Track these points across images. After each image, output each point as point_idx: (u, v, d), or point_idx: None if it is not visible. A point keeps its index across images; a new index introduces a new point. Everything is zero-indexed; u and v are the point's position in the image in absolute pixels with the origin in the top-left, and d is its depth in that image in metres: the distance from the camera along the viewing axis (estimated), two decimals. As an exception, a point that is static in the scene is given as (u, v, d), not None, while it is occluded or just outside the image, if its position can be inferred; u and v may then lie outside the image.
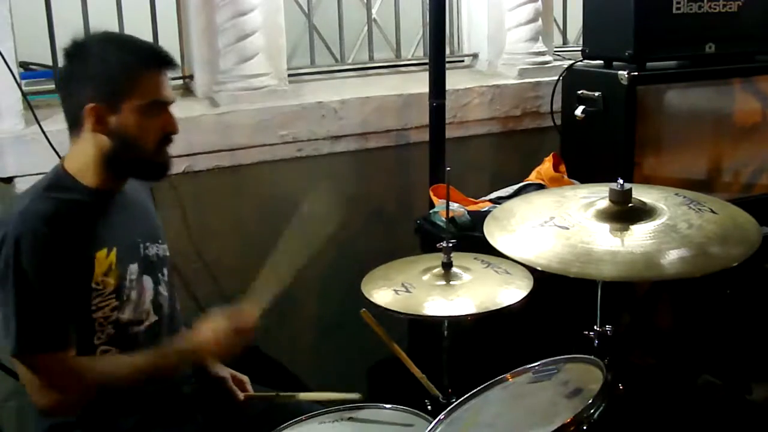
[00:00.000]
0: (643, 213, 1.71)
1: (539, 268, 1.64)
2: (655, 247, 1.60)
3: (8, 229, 1.64)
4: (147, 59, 1.76)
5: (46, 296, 1.64)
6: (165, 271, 1.91)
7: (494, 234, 1.77)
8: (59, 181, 1.75)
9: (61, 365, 1.67)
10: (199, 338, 1.80)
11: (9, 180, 2.31)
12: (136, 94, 1.72)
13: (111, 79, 1.71)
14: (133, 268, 1.80)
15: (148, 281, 1.84)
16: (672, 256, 1.58)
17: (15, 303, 1.63)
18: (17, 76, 2.28)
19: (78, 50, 1.75)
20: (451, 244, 1.93)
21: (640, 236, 1.65)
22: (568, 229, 1.70)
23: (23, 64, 2.63)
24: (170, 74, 1.81)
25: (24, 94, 2.32)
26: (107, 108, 1.71)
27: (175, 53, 2.64)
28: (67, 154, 1.81)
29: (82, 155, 1.75)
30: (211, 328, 1.80)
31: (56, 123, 2.38)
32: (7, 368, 2.22)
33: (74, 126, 1.76)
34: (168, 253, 1.95)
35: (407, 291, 1.89)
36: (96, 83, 1.71)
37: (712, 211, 1.71)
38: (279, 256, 1.91)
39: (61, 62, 1.80)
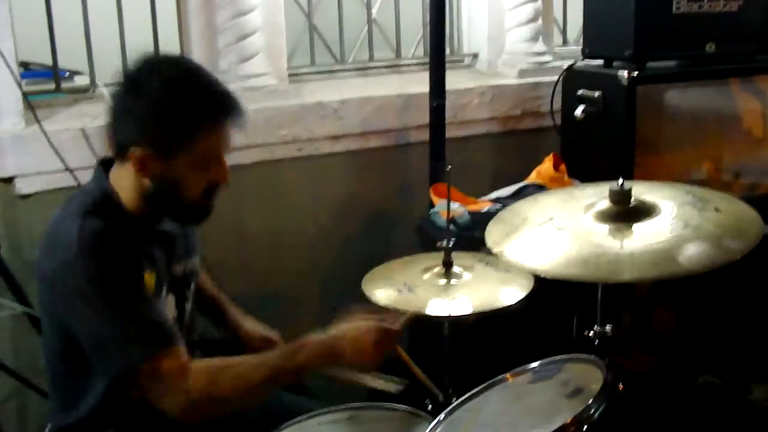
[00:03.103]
0: (643, 213, 1.71)
1: (542, 275, 1.63)
2: (647, 248, 1.60)
3: (69, 255, 1.55)
4: (216, 113, 1.60)
5: (132, 300, 1.57)
6: (192, 285, 1.85)
7: (495, 238, 1.76)
8: (106, 201, 1.66)
9: (180, 360, 1.58)
10: (339, 336, 1.66)
11: (9, 180, 2.31)
12: (195, 149, 1.60)
13: (169, 130, 1.58)
14: (164, 290, 1.74)
15: (171, 300, 1.78)
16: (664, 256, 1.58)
17: (107, 318, 1.54)
18: (17, 76, 2.28)
19: (135, 83, 1.61)
20: (450, 244, 1.93)
21: (637, 238, 1.65)
22: (563, 230, 1.71)
23: (23, 64, 2.63)
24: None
25: (24, 94, 2.32)
26: (156, 156, 1.59)
27: (175, 53, 2.67)
28: (112, 170, 1.70)
29: (125, 183, 1.66)
30: (354, 327, 1.67)
31: (56, 123, 2.39)
32: (7, 368, 2.22)
33: (118, 155, 1.65)
34: (198, 264, 1.88)
35: (410, 290, 1.89)
36: (150, 128, 1.58)
37: (717, 210, 1.70)
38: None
39: (116, 87, 1.65)
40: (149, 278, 1.66)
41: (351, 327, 1.69)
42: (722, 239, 1.61)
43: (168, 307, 1.77)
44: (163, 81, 1.59)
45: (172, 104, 1.58)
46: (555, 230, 1.72)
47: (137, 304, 1.59)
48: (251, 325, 2.04)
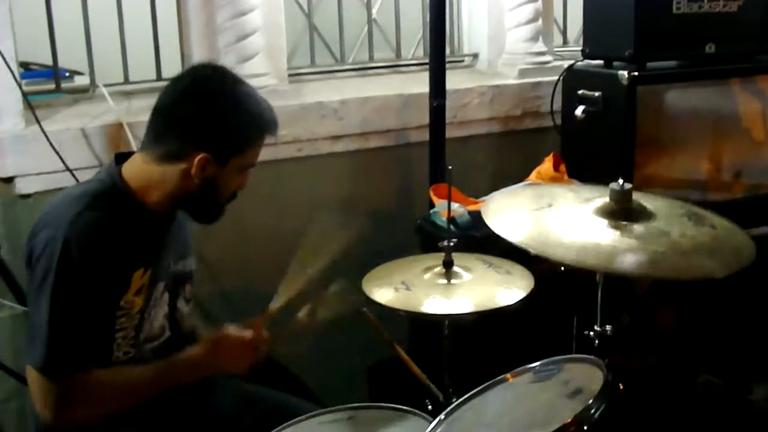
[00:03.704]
0: (640, 216, 1.72)
1: (531, 252, 1.66)
2: (642, 245, 1.63)
3: (56, 233, 1.59)
4: (269, 126, 1.77)
5: (83, 310, 1.60)
6: (188, 286, 1.89)
7: (490, 213, 1.82)
8: (115, 193, 1.71)
9: (86, 384, 1.62)
10: (208, 350, 1.79)
11: (9, 180, 2.31)
12: (247, 155, 1.75)
13: (231, 140, 1.71)
14: (161, 285, 1.78)
15: (165, 297, 1.82)
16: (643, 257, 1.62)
17: (50, 313, 1.57)
18: (17, 76, 2.28)
19: (202, 91, 1.72)
20: (452, 244, 1.93)
21: (631, 234, 1.67)
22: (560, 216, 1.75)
23: (23, 64, 2.63)
24: None
25: (24, 94, 2.32)
26: (216, 160, 1.71)
27: (175, 53, 2.67)
28: (130, 164, 1.76)
29: (157, 180, 1.72)
30: (220, 340, 1.79)
31: (56, 123, 2.39)
32: (7, 368, 2.22)
33: (165, 154, 1.71)
34: (194, 267, 1.93)
35: (407, 288, 1.89)
36: (217, 136, 1.70)
37: (712, 227, 1.72)
38: (292, 273, 1.91)
39: (174, 92, 1.74)
40: (139, 277, 1.70)
41: (218, 341, 1.80)
42: (720, 252, 1.64)
43: (162, 303, 1.81)
44: (231, 94, 1.73)
45: (237, 116, 1.72)
46: (551, 214, 1.75)
47: (80, 316, 1.60)
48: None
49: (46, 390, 1.61)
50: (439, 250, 1.96)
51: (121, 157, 1.79)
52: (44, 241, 1.61)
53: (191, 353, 1.79)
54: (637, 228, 1.69)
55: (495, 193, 1.89)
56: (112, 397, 1.67)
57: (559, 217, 1.76)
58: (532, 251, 1.65)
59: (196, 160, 1.68)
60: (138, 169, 1.75)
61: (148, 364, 1.74)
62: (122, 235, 1.65)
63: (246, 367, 1.82)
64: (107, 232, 1.63)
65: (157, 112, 1.74)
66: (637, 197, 1.76)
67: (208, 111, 1.70)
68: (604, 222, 1.71)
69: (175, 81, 1.77)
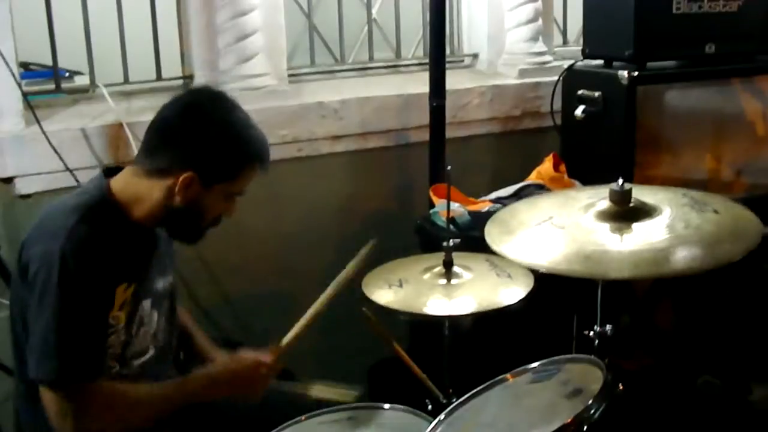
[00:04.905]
0: (643, 213, 1.71)
1: (542, 270, 1.64)
2: (648, 247, 1.61)
3: (53, 246, 1.59)
4: (260, 157, 1.76)
5: (87, 321, 1.61)
6: (166, 302, 1.89)
7: (494, 236, 1.77)
8: (105, 206, 1.71)
9: (101, 394, 1.63)
10: (224, 371, 1.80)
11: (9, 180, 2.31)
12: (235, 183, 1.75)
13: (220, 165, 1.71)
14: (146, 303, 1.78)
15: (154, 315, 1.82)
16: (662, 255, 1.59)
17: (57, 326, 1.58)
18: (17, 76, 2.28)
19: (199, 114, 1.72)
20: (453, 244, 1.93)
21: (637, 236, 1.65)
22: (564, 228, 1.72)
23: (23, 64, 2.63)
24: None
25: (24, 94, 2.32)
26: (201, 182, 1.70)
27: (175, 53, 2.67)
28: (119, 177, 1.76)
29: (143, 194, 1.72)
30: (238, 363, 1.81)
31: (56, 123, 2.38)
32: (7, 368, 2.22)
33: (153, 169, 1.71)
34: (173, 281, 1.93)
35: (400, 286, 1.89)
36: (205, 159, 1.70)
37: (715, 212, 1.71)
38: (310, 313, 1.90)
39: (172, 108, 1.74)
40: (122, 291, 1.70)
41: (233, 362, 1.83)
42: (723, 240, 1.61)
43: (151, 321, 1.81)
44: (225, 120, 1.73)
45: (229, 143, 1.72)
46: (554, 228, 1.73)
47: (85, 327, 1.61)
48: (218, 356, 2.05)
49: (62, 402, 1.61)
50: (441, 250, 1.95)
51: (109, 172, 1.80)
52: (40, 254, 1.61)
53: (208, 372, 1.81)
54: (641, 227, 1.68)
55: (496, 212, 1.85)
56: (127, 409, 1.68)
57: (562, 229, 1.73)
58: (543, 270, 1.64)
59: (181, 178, 1.69)
60: (127, 182, 1.75)
61: (156, 380, 1.74)
62: (111, 249, 1.66)
63: (259, 393, 1.82)
64: (99, 245, 1.64)
65: (152, 127, 1.75)
66: (637, 194, 1.74)
67: (198, 132, 1.70)
68: (607, 227, 1.69)
69: (175, 98, 1.77)
